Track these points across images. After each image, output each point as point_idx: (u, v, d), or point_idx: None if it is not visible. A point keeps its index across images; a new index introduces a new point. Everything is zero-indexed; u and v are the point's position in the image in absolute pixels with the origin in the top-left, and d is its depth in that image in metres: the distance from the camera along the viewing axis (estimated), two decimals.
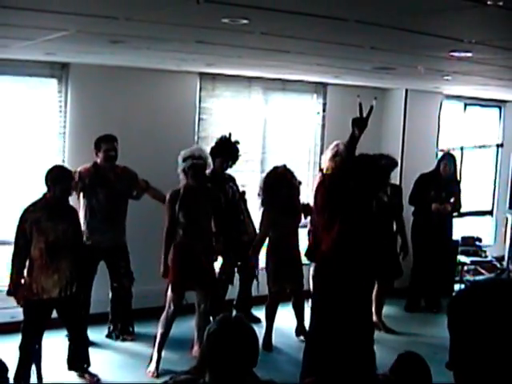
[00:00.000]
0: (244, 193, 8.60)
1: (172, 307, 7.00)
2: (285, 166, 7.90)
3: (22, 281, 6.34)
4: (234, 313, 7.71)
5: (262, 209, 7.89)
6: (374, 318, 8.68)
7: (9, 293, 6.36)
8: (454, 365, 1.91)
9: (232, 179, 8.48)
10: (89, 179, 7.48)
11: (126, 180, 7.73)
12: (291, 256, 7.73)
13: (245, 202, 8.54)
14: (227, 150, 8.21)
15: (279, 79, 9.68)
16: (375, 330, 8.44)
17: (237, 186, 8.51)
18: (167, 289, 7.04)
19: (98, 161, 7.60)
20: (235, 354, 3.13)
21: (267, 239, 7.83)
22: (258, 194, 7.89)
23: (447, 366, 1.92)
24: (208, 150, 8.16)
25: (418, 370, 4.16)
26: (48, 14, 4.51)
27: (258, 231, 8.12)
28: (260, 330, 8.15)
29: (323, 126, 10.24)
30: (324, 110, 10.24)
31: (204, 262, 7.09)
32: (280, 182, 7.66)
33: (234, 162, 8.32)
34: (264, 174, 8.10)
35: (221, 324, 3.22)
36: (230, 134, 8.28)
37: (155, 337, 7.10)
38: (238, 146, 8.27)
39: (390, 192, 8.50)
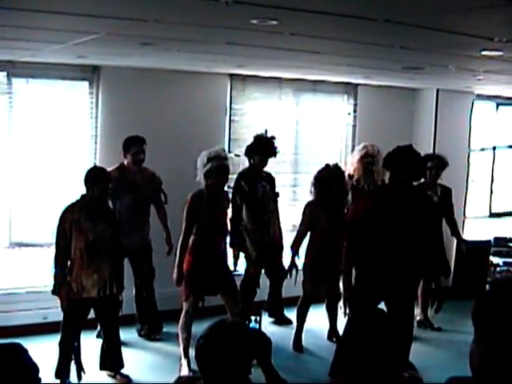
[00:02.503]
0: (277, 194, 8.56)
1: (191, 311, 6.94)
2: (336, 164, 7.86)
3: (67, 279, 6.40)
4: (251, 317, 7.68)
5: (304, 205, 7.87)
6: (420, 316, 8.70)
7: (53, 292, 6.43)
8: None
9: (269, 179, 8.43)
10: (114, 183, 7.46)
11: (152, 185, 7.78)
12: (329, 256, 7.55)
13: (275, 203, 8.50)
14: (264, 147, 8.20)
15: (310, 80, 9.67)
16: (421, 327, 8.59)
17: (272, 186, 8.46)
18: (184, 295, 6.98)
19: (126, 162, 7.66)
20: (223, 360, 3.06)
21: (308, 237, 7.75)
22: (310, 192, 7.80)
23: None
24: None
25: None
26: (78, 18, 4.54)
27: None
28: (291, 332, 8.16)
29: (354, 126, 10.22)
30: (355, 111, 10.22)
31: (221, 265, 7.04)
32: (329, 180, 7.58)
33: (270, 157, 8.30)
34: (315, 171, 7.98)
35: (211, 329, 3.16)
36: (265, 131, 8.30)
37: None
38: (275, 141, 8.27)
39: (440, 193, 8.50)
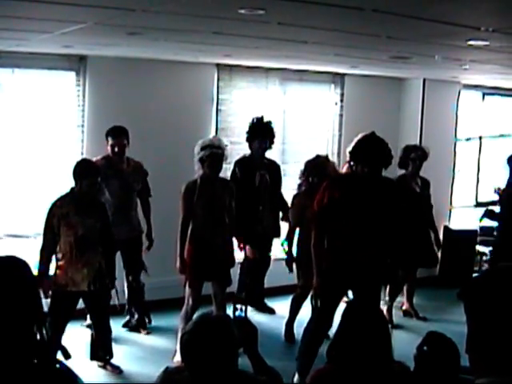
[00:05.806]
0: (279, 185, 8.52)
1: (191, 302, 6.92)
2: (327, 156, 7.84)
3: (50, 272, 6.39)
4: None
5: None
6: (406, 305, 8.76)
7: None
8: (470, 349, 1.92)
9: (272, 167, 8.40)
10: (101, 171, 7.39)
11: (139, 175, 7.67)
12: None
13: (274, 192, 8.40)
14: (262, 131, 8.16)
15: (296, 70, 9.67)
16: (407, 316, 8.74)
17: (276, 175, 8.41)
18: (185, 284, 6.95)
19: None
20: (208, 355, 3.08)
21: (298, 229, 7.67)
22: (299, 178, 7.80)
23: (466, 350, 1.94)
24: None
25: (445, 349, 4.16)
26: (66, 7, 4.52)
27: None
28: (275, 321, 8.19)
29: (341, 116, 10.23)
30: (342, 101, 10.23)
31: (222, 254, 7.00)
32: (316, 171, 7.53)
33: (271, 143, 8.27)
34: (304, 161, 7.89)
35: (195, 325, 3.19)
36: (262, 116, 8.26)
37: (175, 330, 6.98)
38: (273, 126, 8.25)
39: (421, 184, 8.53)
